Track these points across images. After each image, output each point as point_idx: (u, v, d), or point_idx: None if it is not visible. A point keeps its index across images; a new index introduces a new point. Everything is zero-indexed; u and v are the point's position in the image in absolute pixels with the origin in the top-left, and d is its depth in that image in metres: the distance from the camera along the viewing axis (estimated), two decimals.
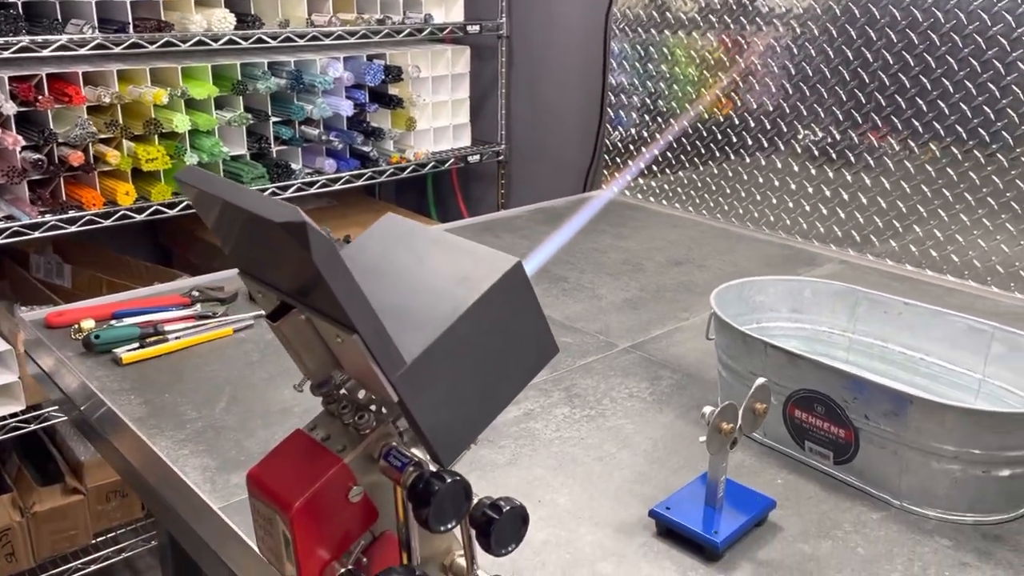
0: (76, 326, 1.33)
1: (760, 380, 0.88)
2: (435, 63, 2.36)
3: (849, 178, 1.75)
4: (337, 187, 2.18)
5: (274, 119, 2.08)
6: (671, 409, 1.15)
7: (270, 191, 2.08)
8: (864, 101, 1.71)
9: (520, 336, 0.56)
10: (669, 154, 2.08)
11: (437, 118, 2.41)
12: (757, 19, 1.87)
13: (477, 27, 2.33)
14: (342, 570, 0.55)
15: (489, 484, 0.97)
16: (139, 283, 1.94)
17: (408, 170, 2.30)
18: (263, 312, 0.55)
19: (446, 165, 2.40)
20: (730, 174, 1.96)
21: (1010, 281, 1.56)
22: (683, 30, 2.01)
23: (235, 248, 0.54)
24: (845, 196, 1.76)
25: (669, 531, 0.89)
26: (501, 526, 0.55)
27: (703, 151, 2.01)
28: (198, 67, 1.96)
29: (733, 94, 1.94)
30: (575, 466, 1.01)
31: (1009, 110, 1.51)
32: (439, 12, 2.34)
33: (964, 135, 1.57)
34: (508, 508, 0.55)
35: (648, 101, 2.10)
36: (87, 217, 1.82)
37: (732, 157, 1.96)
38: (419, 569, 0.54)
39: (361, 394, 0.56)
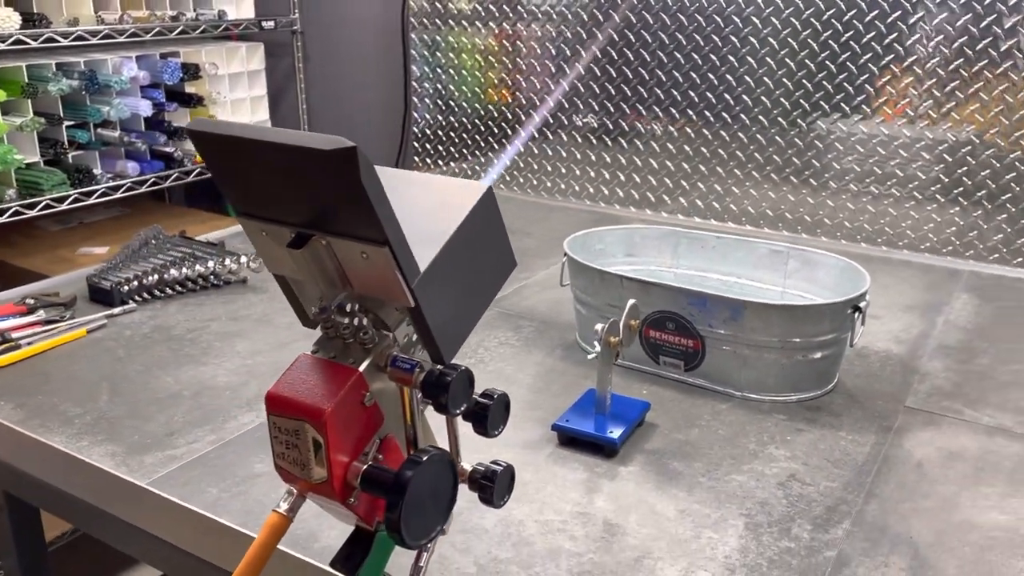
0: None
1: (631, 301, 1.04)
2: (230, 60, 2.35)
3: (627, 149, 1.99)
4: (143, 190, 2.11)
5: (68, 123, 1.98)
6: (538, 350, 1.29)
7: (73, 198, 1.98)
8: (625, 87, 1.96)
9: (492, 250, 0.66)
10: (475, 137, 2.22)
11: (236, 115, 2.40)
12: (527, 15, 2.07)
13: (272, 23, 2.34)
14: (366, 465, 0.62)
15: None
16: None
17: None
18: (278, 247, 0.60)
19: None
20: (534, 151, 2.14)
21: (777, 222, 1.86)
22: (467, 22, 2.17)
23: (248, 190, 0.59)
24: (635, 163, 2.00)
25: (570, 439, 1.03)
26: (494, 411, 0.65)
27: (500, 134, 2.18)
28: None
29: (517, 79, 2.12)
30: None
31: (726, 95, 1.81)
32: (230, 8, 2.32)
33: (708, 110, 1.86)
34: (497, 395, 0.65)
35: (443, 90, 2.23)
36: None
37: (525, 137, 2.15)
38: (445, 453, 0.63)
39: (362, 312, 0.64)
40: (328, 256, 0.60)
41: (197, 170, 2.22)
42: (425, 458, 0.60)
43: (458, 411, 0.62)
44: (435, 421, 0.68)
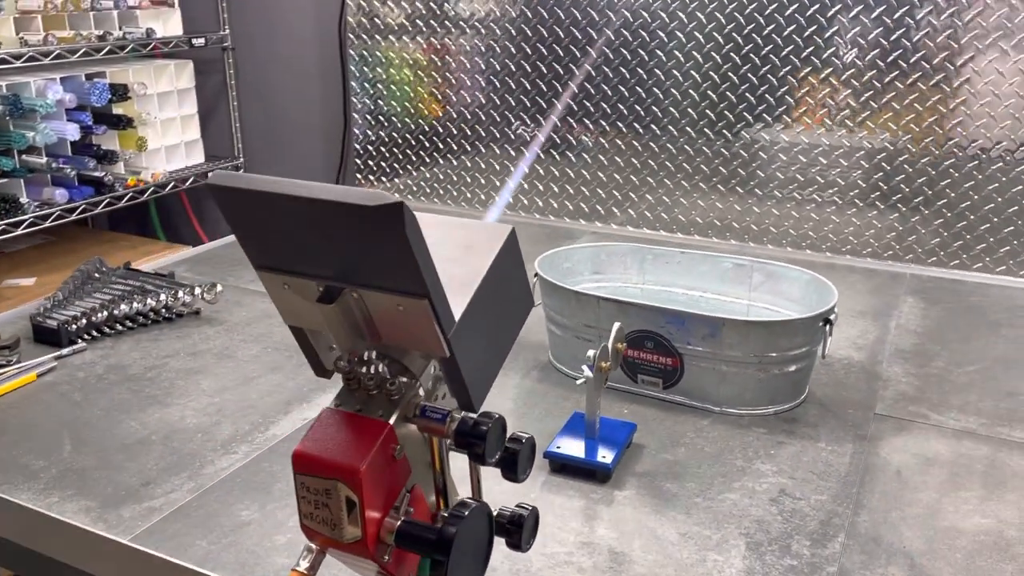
0: None
1: (617, 324, 1.05)
2: (158, 79, 2.26)
3: (575, 162, 2.01)
4: (73, 217, 2.02)
5: None
6: (514, 372, 1.28)
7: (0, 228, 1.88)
8: (556, 100, 1.98)
9: (514, 292, 0.66)
10: (419, 153, 2.20)
11: (167, 136, 2.31)
12: (455, 28, 2.07)
13: (202, 40, 2.27)
14: (399, 521, 0.60)
15: None
16: None
17: (148, 192, 2.18)
18: (301, 300, 0.58)
19: (186, 184, 2.31)
20: (480, 167, 2.13)
21: (725, 231, 1.90)
22: (394, 36, 2.15)
23: (273, 244, 0.57)
24: (584, 176, 2.01)
25: (563, 466, 1.03)
26: (523, 456, 0.64)
27: (432, 148, 2.16)
28: None
29: (448, 94, 2.11)
30: None
31: (654, 107, 1.84)
32: (157, 26, 2.24)
33: (637, 122, 1.89)
34: (526, 439, 0.64)
35: (379, 105, 2.21)
36: None
37: (467, 150, 2.14)
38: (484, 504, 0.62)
39: (383, 365, 0.62)
40: (358, 308, 0.58)
41: (129, 194, 2.13)
42: (467, 512, 0.59)
43: (493, 460, 0.61)
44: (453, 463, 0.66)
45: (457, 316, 0.58)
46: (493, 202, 2.12)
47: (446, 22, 2.08)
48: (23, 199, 1.93)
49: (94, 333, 1.37)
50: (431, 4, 2.08)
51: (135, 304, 1.41)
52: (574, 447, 1.03)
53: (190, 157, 2.39)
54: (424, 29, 2.11)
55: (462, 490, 0.69)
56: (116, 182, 2.11)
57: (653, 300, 1.38)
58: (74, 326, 1.35)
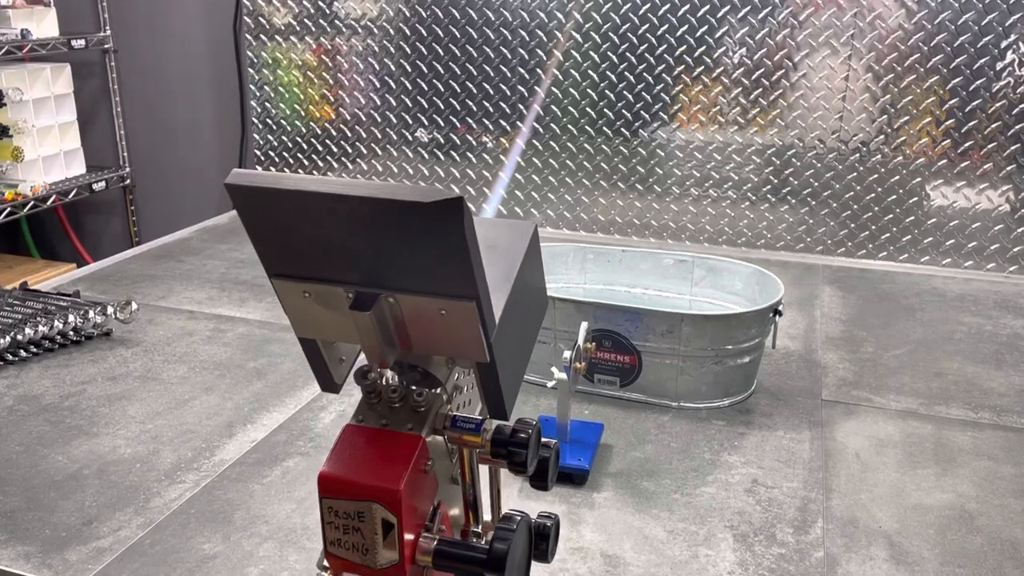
0: None
1: (584, 324, 1.03)
2: (33, 83, 2.09)
3: (476, 163, 1.99)
4: None
5: None
6: None
7: None
8: (454, 100, 1.96)
9: (536, 291, 0.63)
10: (312, 158, 2.12)
11: (44, 145, 2.14)
12: (345, 28, 2.02)
13: (82, 41, 2.11)
14: (436, 540, 0.56)
15: None
16: None
17: (28, 207, 2.00)
18: (322, 310, 0.53)
19: (69, 196, 2.14)
20: (378, 170, 2.08)
21: (643, 230, 1.93)
22: (280, 37, 2.07)
23: (296, 249, 0.51)
24: (486, 176, 2.00)
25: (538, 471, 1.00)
26: (552, 464, 0.61)
27: (333, 151, 2.10)
28: None
29: (341, 96, 2.06)
30: None
31: (552, 106, 1.86)
32: (31, 26, 2.07)
33: (537, 122, 1.91)
34: (552, 445, 0.61)
35: (271, 108, 2.12)
36: None
37: (364, 153, 2.09)
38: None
39: (405, 378, 0.58)
40: (391, 314, 0.54)
41: (7, 209, 1.96)
42: (515, 527, 0.55)
43: (533, 469, 0.58)
44: None
45: (497, 318, 0.55)
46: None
47: (336, 22, 2.02)
48: None
49: None
50: (319, 3, 2.02)
51: (41, 327, 1.28)
52: None
53: (70, 168, 2.21)
54: (313, 29, 2.04)
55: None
56: None
57: (596, 299, 1.38)
58: None
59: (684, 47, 1.79)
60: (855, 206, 1.79)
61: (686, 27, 1.78)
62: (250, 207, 0.51)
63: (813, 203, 1.81)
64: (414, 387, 0.58)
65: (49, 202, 2.08)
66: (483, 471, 0.63)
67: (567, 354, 0.97)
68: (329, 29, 2.03)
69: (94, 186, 2.19)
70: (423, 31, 1.95)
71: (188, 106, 2.27)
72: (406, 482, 0.54)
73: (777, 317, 1.17)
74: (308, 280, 0.54)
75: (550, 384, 0.99)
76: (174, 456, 1.04)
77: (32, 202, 2.02)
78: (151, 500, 0.95)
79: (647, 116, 1.85)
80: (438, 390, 0.59)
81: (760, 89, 1.77)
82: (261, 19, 2.07)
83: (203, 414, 1.14)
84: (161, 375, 1.25)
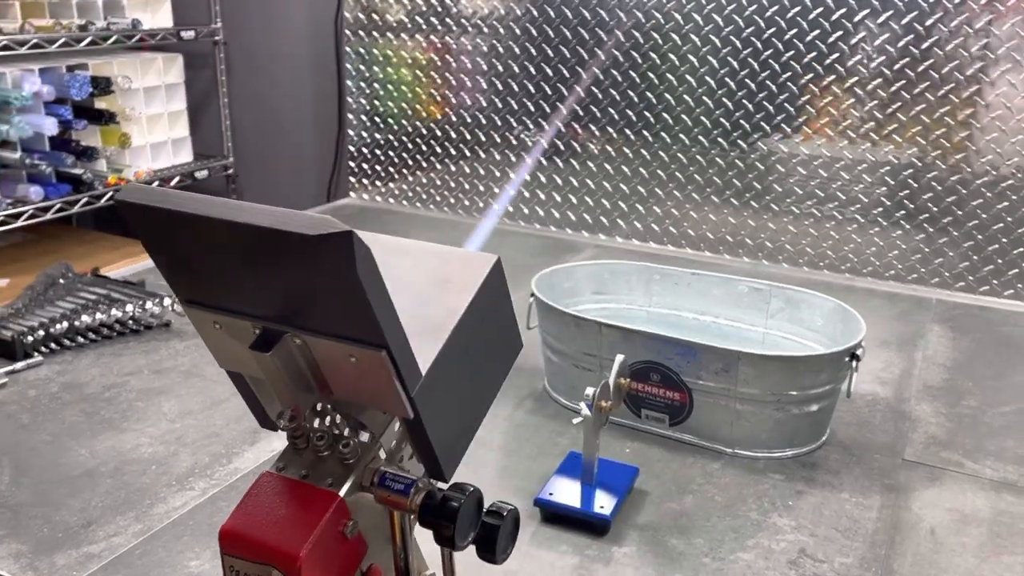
0: None
1: (620, 357, 0.93)
2: (144, 72, 2.15)
3: (579, 170, 1.90)
4: (48, 217, 1.91)
5: None
6: (506, 402, 1.17)
7: None
8: (564, 98, 1.87)
9: (499, 333, 0.55)
10: (416, 156, 2.09)
11: (153, 133, 2.20)
12: (456, 27, 1.96)
13: (192, 32, 2.16)
14: None
15: None
16: None
17: None
18: (235, 343, 0.48)
19: (172, 184, 2.20)
20: (480, 172, 2.02)
21: (738, 248, 1.79)
22: (393, 34, 2.04)
23: (198, 275, 0.46)
24: (588, 185, 1.90)
25: (555, 515, 0.91)
26: (503, 534, 0.53)
27: (436, 151, 2.05)
28: None
29: (448, 95, 2.00)
30: None
31: (664, 114, 1.73)
32: (145, 17, 2.13)
33: (647, 130, 1.78)
34: (507, 512, 0.53)
35: (372, 105, 2.10)
36: None
37: (467, 155, 2.03)
38: None
39: (338, 420, 0.51)
40: (302, 356, 0.47)
41: (109, 193, 2.03)
42: None
43: (465, 544, 0.50)
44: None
45: (425, 368, 0.47)
46: (490, 208, 2.01)
47: (447, 20, 1.98)
48: None
49: (52, 346, 1.27)
50: (432, 1, 1.98)
51: (99, 315, 1.30)
52: (569, 494, 0.92)
53: (177, 155, 2.28)
54: (425, 27, 2.00)
55: (433, 564, 0.58)
56: (96, 180, 2.00)
57: (661, 325, 1.27)
58: (30, 338, 1.24)
59: (814, 53, 1.64)
60: (980, 236, 1.59)
61: (817, 32, 1.62)
62: (146, 227, 0.45)
63: (931, 229, 1.62)
64: (344, 435, 0.51)
65: None
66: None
67: (589, 390, 0.88)
68: (440, 27, 1.98)
69: (196, 174, 2.24)
70: (533, 31, 1.88)
71: (290, 99, 2.29)
72: (310, 548, 0.47)
73: (855, 363, 1.03)
74: (217, 310, 0.48)
75: (575, 421, 0.90)
76: (191, 460, 1.02)
77: None
78: (155, 506, 0.93)
79: (767, 127, 1.71)
80: (373, 442, 0.52)
81: (900, 103, 1.59)
82: (375, 16, 2.05)
83: (232, 417, 1.11)
84: (204, 372, 1.24)
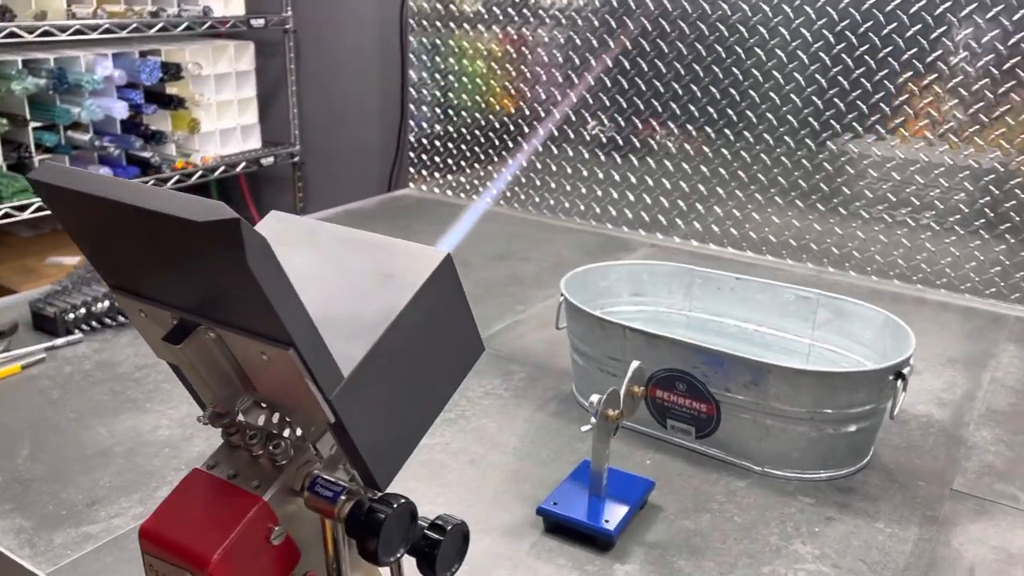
0: None
1: (635, 363, 0.88)
2: (216, 59, 2.20)
3: (639, 167, 1.83)
4: None
5: (35, 124, 1.83)
6: (529, 403, 1.13)
7: (36, 207, 1.84)
8: (638, 99, 1.80)
9: (449, 336, 0.51)
10: (475, 149, 2.07)
11: (223, 119, 2.25)
12: (534, 18, 1.92)
13: (262, 21, 2.19)
14: None
15: None
16: None
17: (196, 176, 2.12)
18: (161, 332, 0.46)
19: (237, 169, 2.24)
20: (537, 166, 1.98)
21: (802, 253, 1.70)
22: (468, 24, 2.02)
23: (111, 259, 0.44)
24: (647, 182, 1.84)
25: (558, 526, 0.87)
26: (445, 549, 0.50)
27: (500, 145, 2.02)
28: None
29: (522, 88, 1.96)
30: (447, 473, 0.96)
31: (748, 112, 1.64)
32: (218, 5, 2.17)
33: (728, 127, 1.70)
34: (451, 528, 0.50)
35: (443, 97, 2.08)
36: None
37: (528, 149, 1.99)
38: None
39: (275, 418, 0.48)
40: (220, 351, 0.45)
41: (176, 176, 2.07)
42: None
43: (392, 559, 0.47)
44: None
45: (348, 370, 0.44)
46: (562, 207, 1.97)
47: (525, 11, 1.93)
48: None
49: (93, 324, 1.29)
50: None
51: None
52: (574, 504, 0.87)
53: (246, 142, 2.32)
54: (502, 18, 1.97)
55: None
56: (164, 163, 2.05)
57: (700, 331, 1.21)
58: (72, 315, 1.27)
59: (891, 48, 1.54)
60: None
61: (919, 26, 1.52)
62: (60, 207, 0.43)
63: (1013, 240, 1.50)
64: (276, 435, 0.48)
65: (217, 173, 2.19)
66: None
67: (594, 398, 0.83)
68: (517, 18, 1.95)
69: (262, 161, 2.27)
70: (613, 22, 1.82)
71: (355, 88, 2.30)
72: (224, 553, 0.45)
73: (900, 382, 0.95)
74: (138, 297, 0.46)
75: (584, 428, 0.86)
76: (204, 445, 1.01)
77: (201, 171, 2.13)
78: (159, 490, 0.93)
79: (860, 128, 1.61)
80: (306, 443, 0.49)
81: (982, 103, 1.48)
82: (452, 6, 2.03)
83: None
84: None
